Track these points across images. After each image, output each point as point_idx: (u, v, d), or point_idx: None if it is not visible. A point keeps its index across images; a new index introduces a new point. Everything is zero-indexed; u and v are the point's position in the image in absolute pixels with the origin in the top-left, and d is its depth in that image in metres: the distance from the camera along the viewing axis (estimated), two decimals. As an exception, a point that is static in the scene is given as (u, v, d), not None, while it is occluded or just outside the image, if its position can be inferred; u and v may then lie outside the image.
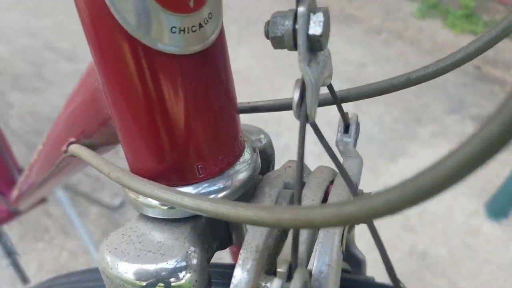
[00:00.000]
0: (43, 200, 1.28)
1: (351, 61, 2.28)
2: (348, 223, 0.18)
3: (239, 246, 0.30)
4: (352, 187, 0.27)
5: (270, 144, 0.39)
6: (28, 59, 2.59)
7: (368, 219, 0.17)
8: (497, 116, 0.13)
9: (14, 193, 1.03)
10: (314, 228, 0.29)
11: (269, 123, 1.93)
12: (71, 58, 2.51)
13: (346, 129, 0.37)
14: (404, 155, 1.80)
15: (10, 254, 1.19)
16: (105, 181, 1.81)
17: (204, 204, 0.24)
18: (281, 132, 1.89)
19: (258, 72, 2.27)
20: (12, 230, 1.66)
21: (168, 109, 0.27)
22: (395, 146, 1.84)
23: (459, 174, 0.14)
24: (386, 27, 2.51)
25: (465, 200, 1.62)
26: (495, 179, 1.65)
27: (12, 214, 1.27)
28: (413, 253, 1.49)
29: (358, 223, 0.31)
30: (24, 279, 1.26)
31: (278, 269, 0.24)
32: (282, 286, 0.23)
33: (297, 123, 0.26)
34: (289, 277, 0.24)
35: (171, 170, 0.29)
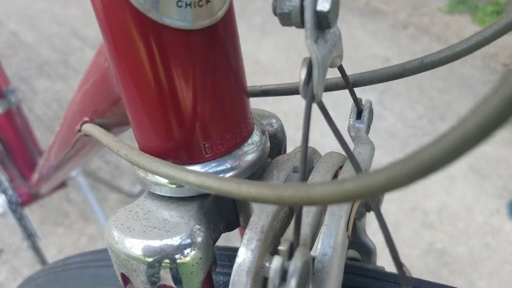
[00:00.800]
0: (62, 185, 1.30)
1: (376, 55, 2.26)
2: (348, 200, 0.18)
3: (246, 228, 0.30)
4: (359, 169, 0.27)
5: (281, 129, 0.39)
6: (54, 46, 2.63)
7: (368, 195, 0.17)
8: (495, 94, 0.13)
9: (35, 176, 1.05)
10: (315, 205, 0.28)
11: (289, 114, 1.92)
12: (97, 46, 2.53)
13: (359, 115, 0.36)
14: (426, 151, 1.77)
15: (30, 236, 1.21)
16: (124, 168, 1.83)
17: (208, 180, 0.24)
18: (301, 124, 1.88)
19: (281, 64, 2.26)
20: (33, 214, 1.69)
21: (174, 86, 0.27)
22: (417, 142, 1.82)
23: (458, 151, 0.14)
24: (412, 21, 2.47)
25: (486, 199, 1.60)
26: (519, 179, 1.62)
27: (33, 197, 1.29)
28: (431, 251, 1.48)
29: (358, 199, 0.31)
30: (43, 262, 1.28)
31: (279, 247, 0.24)
32: (282, 264, 0.23)
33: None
34: (290, 255, 0.24)
35: (178, 149, 0.29)
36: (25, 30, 2.79)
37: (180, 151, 0.30)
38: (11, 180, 1.26)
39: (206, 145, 0.29)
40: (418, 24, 2.45)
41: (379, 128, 1.87)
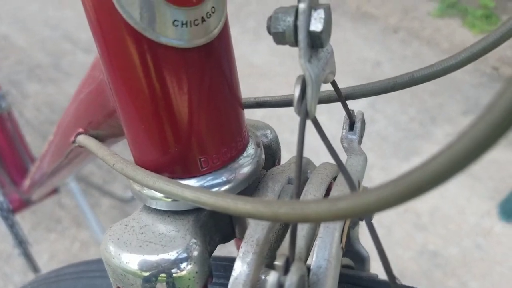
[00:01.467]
0: (55, 191, 1.29)
1: (367, 59, 2.27)
2: (341, 218, 0.18)
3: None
4: (351, 183, 0.27)
5: (276, 140, 0.39)
6: (46, 49, 2.62)
7: (360, 214, 0.17)
8: (485, 116, 0.13)
9: (26, 182, 1.05)
10: (309, 222, 0.29)
11: (283, 118, 1.93)
12: (89, 50, 2.53)
13: (351, 126, 0.37)
14: (418, 154, 1.79)
15: (21, 243, 1.20)
16: (116, 173, 1.82)
17: (204, 196, 0.24)
18: (296, 127, 1.89)
19: (275, 68, 2.26)
20: (25, 220, 1.68)
21: (170, 102, 0.27)
22: (409, 145, 1.83)
23: (448, 172, 0.14)
24: (403, 25, 2.48)
25: (478, 200, 1.61)
26: (509, 180, 1.63)
27: (25, 204, 1.28)
28: (424, 253, 1.49)
29: (351, 218, 0.31)
30: (35, 269, 1.27)
31: (276, 262, 0.24)
32: (278, 279, 0.24)
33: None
34: (286, 270, 0.24)
35: (174, 163, 0.30)
36: (16, 32, 2.78)
37: (175, 165, 0.30)
38: (1, 186, 1.25)
39: (201, 159, 0.30)
40: (409, 28, 2.46)
41: (371, 131, 1.88)
